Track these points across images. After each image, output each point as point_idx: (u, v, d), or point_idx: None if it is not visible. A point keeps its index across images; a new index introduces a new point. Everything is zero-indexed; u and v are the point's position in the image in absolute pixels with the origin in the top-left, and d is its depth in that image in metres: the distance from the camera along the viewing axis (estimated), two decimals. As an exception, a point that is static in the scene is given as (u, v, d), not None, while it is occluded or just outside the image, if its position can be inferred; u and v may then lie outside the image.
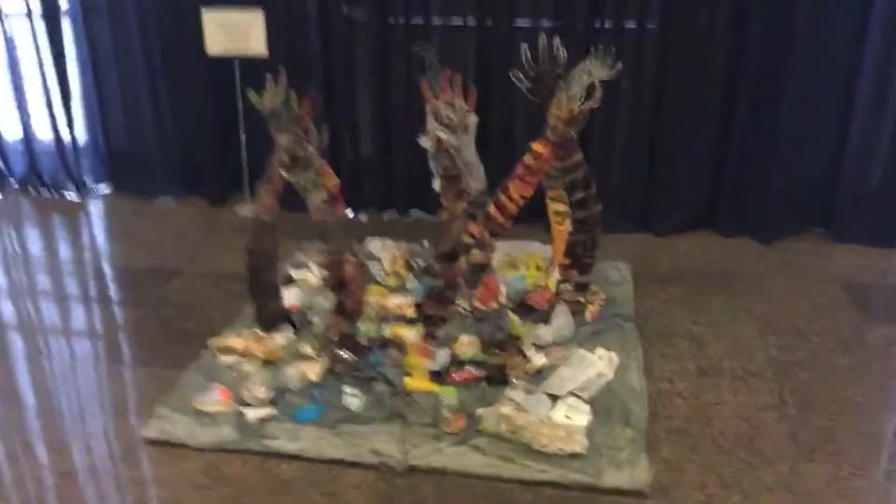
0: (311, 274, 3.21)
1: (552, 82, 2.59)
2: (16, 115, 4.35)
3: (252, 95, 2.90)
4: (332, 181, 2.48)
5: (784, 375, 2.67)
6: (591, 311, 2.98)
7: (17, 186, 4.49)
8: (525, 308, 2.95)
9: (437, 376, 2.58)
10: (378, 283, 3.15)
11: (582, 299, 2.91)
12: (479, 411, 2.40)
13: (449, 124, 2.48)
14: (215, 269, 3.53)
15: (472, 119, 2.52)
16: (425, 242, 3.43)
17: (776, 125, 3.57)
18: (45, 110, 4.30)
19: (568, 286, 2.87)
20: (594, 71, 2.82)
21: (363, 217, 4.05)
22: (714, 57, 3.57)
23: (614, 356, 2.70)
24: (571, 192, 2.74)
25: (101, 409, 2.62)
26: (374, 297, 2.97)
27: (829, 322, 3.03)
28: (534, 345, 2.73)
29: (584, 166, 2.73)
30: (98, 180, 4.48)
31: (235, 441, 2.35)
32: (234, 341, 2.76)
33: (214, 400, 2.50)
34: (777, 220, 3.73)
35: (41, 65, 4.21)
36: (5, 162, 4.48)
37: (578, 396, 2.48)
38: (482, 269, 2.40)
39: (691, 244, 3.74)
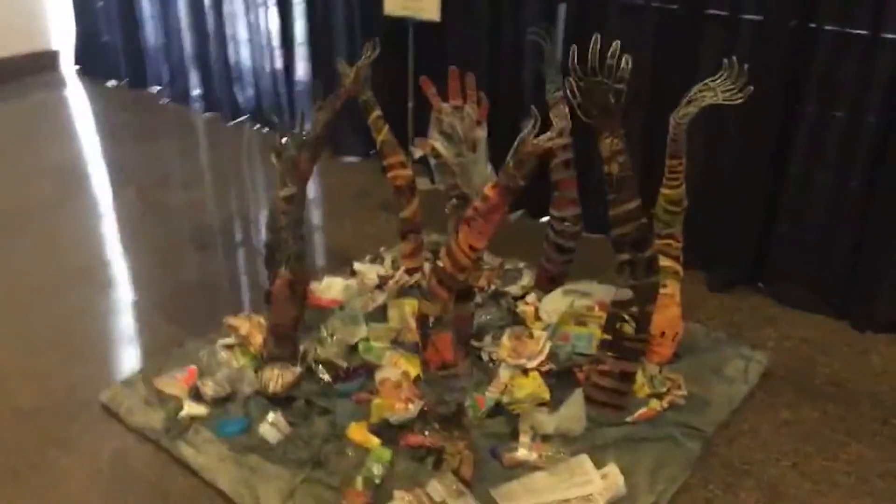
0: (375, 273, 2.88)
1: (604, 100, 1.90)
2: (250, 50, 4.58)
3: (342, 65, 2.65)
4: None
5: None
6: (649, 408, 2.24)
7: (247, 116, 4.77)
8: (570, 381, 2.32)
9: (391, 430, 2.14)
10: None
11: (621, 389, 2.18)
12: (396, 494, 1.94)
13: (450, 134, 1.96)
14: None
15: (480, 133, 1.96)
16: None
17: None
18: (268, 49, 4.46)
19: (599, 368, 2.17)
20: (720, 92, 2.08)
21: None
22: None
23: (621, 480, 1.99)
24: (617, 252, 2.03)
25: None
26: (405, 312, 2.57)
27: None
28: (533, 431, 2.14)
29: (640, 219, 2.00)
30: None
31: (156, 433, 2.20)
32: (241, 323, 2.58)
33: (174, 381, 2.37)
34: None
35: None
36: (238, 92, 4.75)
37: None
38: (432, 323, 1.88)
39: (897, 354, 2.64)
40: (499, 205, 1.65)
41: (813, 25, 2.56)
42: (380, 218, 3.54)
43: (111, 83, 5.45)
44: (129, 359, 2.60)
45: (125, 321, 2.83)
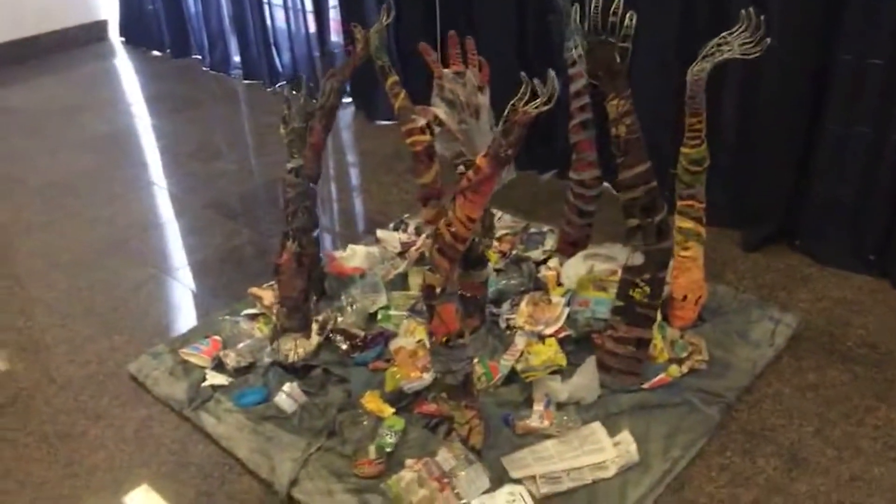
0: (398, 239, 2.87)
1: (608, 60, 1.83)
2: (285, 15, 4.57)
3: (356, 31, 2.62)
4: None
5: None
6: (667, 374, 2.20)
7: (286, 82, 4.78)
8: (589, 346, 2.29)
9: (405, 399, 2.16)
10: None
11: (635, 355, 2.14)
12: (408, 463, 1.96)
13: (452, 100, 1.92)
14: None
15: (483, 99, 1.92)
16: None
17: None
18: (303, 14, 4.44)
19: (612, 335, 2.13)
20: (737, 46, 1.99)
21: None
22: None
23: (633, 447, 1.97)
24: (627, 217, 1.97)
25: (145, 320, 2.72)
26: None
27: None
28: (547, 398, 2.12)
29: (651, 181, 1.93)
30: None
31: (179, 403, 2.27)
32: (267, 293, 2.62)
33: (199, 352, 2.43)
34: None
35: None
36: (277, 57, 4.76)
37: (539, 485, 1.88)
38: (436, 294, 1.87)
39: (939, 311, 2.52)
40: (491, 175, 1.62)
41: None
42: (408, 183, 3.52)
43: (155, 52, 5.53)
44: (157, 329, 2.66)
45: (156, 292, 2.89)
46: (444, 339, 1.89)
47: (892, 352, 2.34)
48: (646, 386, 2.17)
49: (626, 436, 2.02)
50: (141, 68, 5.44)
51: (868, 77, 2.46)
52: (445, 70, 1.97)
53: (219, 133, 4.37)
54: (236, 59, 5.02)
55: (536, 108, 1.51)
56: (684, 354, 2.27)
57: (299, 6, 4.44)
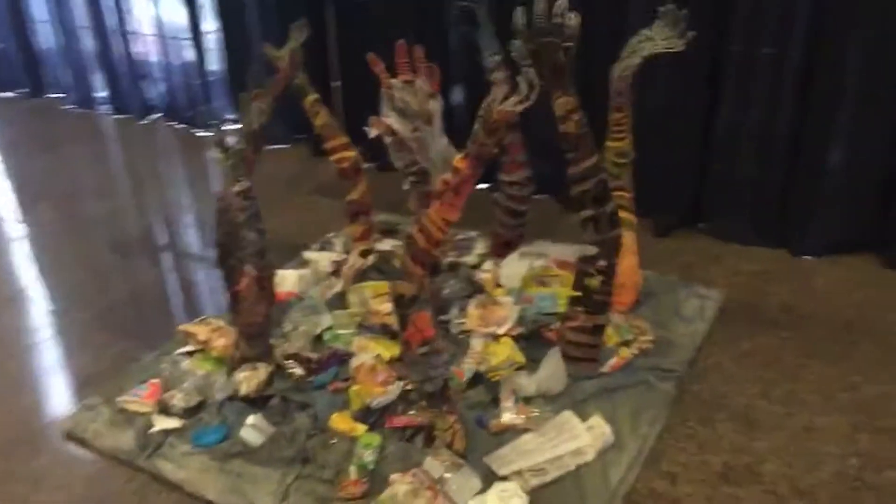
0: (328, 259, 2.83)
1: (555, 58, 1.90)
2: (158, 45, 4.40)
3: (269, 50, 2.58)
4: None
5: (846, 506, 1.85)
6: (620, 357, 2.29)
7: (160, 114, 4.60)
8: (540, 342, 2.35)
9: (374, 415, 2.13)
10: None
11: (594, 342, 2.23)
12: (393, 478, 1.93)
13: (404, 109, 1.93)
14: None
15: (435, 105, 1.95)
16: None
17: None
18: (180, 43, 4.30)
19: (571, 325, 2.21)
20: (660, 40, 2.10)
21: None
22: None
23: (607, 430, 2.04)
24: (580, 209, 2.05)
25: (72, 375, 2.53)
26: (366, 296, 2.54)
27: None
28: (515, 395, 2.16)
29: (601, 173, 2.02)
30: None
31: (129, 453, 2.12)
32: (200, 329, 2.50)
33: (139, 398, 2.29)
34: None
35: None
36: (149, 89, 4.57)
37: (527, 479, 1.90)
38: (410, 302, 1.87)
39: (838, 274, 2.76)
40: (471, 176, 1.65)
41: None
42: (318, 203, 3.48)
43: (7, 94, 5.15)
44: (83, 381, 2.48)
45: (69, 342, 2.70)
46: (420, 347, 1.89)
47: (808, 314, 2.56)
48: (605, 370, 2.25)
49: (597, 419, 2.08)
50: (-6, 112, 5.06)
51: (758, 66, 2.69)
52: (394, 80, 1.98)
53: (92, 172, 4.13)
54: (102, 94, 4.77)
55: (515, 105, 1.54)
56: (631, 337, 2.37)
57: (172, 35, 4.29)
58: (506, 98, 1.54)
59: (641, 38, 2.18)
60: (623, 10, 2.81)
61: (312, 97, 2.59)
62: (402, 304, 1.87)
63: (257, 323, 2.10)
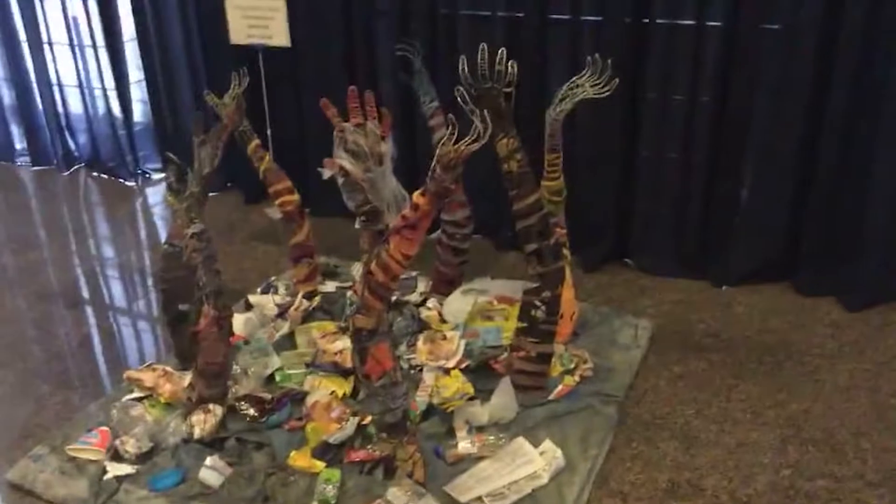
0: (273, 302, 2.86)
1: (496, 103, 2.04)
2: (80, 95, 4.36)
3: (211, 98, 2.63)
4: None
5: (782, 515, 1.99)
6: (564, 384, 2.40)
7: (83, 165, 4.53)
8: (488, 373, 2.44)
9: (332, 451, 2.16)
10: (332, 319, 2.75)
11: (541, 370, 2.34)
12: (356, 510, 1.97)
13: (356, 151, 2.02)
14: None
15: (385, 147, 2.04)
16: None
17: (876, 151, 2.73)
18: (104, 93, 4.27)
19: (520, 354, 2.31)
20: (589, 87, 2.27)
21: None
22: (801, 66, 2.76)
23: (559, 454, 2.14)
24: (525, 243, 2.18)
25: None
26: (314, 337, 2.59)
27: (889, 440, 2.24)
28: (468, 424, 2.24)
29: (541, 210, 2.16)
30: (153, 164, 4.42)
31: (84, 501, 2.09)
32: (146, 375, 2.49)
33: (89, 445, 2.25)
34: (872, 279, 2.87)
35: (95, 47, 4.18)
36: (71, 139, 4.51)
37: (487, 506, 1.97)
38: (370, 335, 1.93)
39: (755, 302, 2.97)
40: (429, 211, 1.74)
41: (646, 21, 2.85)
42: (255, 249, 3.51)
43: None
44: (26, 432, 2.42)
45: (8, 395, 2.62)
46: (379, 379, 1.95)
47: (732, 338, 2.74)
48: (552, 397, 2.35)
49: (548, 444, 2.18)
50: None
51: (671, 110, 2.92)
52: (346, 124, 2.07)
53: (12, 225, 4.02)
54: (20, 146, 4.67)
55: (470, 144, 1.66)
56: (572, 365, 2.49)
57: (97, 85, 4.27)
58: (459, 139, 1.65)
59: (572, 84, 2.35)
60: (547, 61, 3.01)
61: (255, 143, 2.65)
62: (362, 339, 1.93)
63: (217, 363, 2.12)
